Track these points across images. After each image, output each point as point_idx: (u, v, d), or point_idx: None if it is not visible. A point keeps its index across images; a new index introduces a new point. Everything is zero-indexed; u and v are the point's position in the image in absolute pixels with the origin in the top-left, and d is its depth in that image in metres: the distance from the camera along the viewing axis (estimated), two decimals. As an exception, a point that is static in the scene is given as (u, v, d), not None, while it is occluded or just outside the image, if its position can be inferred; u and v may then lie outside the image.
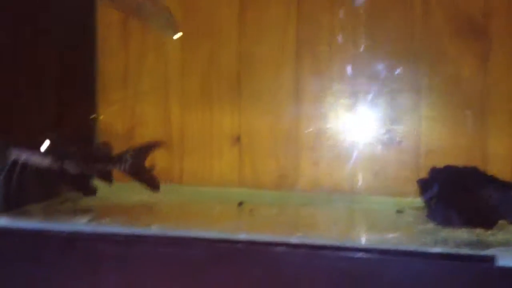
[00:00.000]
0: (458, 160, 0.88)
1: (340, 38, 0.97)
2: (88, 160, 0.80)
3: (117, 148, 0.89)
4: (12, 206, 0.76)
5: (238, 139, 1.03)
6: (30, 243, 0.65)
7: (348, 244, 0.64)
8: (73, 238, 0.65)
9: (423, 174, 0.91)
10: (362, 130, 0.98)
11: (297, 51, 0.99)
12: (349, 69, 0.97)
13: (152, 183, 0.90)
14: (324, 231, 0.72)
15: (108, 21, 1.04)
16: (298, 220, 0.82)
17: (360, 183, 0.98)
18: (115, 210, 0.84)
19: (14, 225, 0.67)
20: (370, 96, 0.97)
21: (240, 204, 0.92)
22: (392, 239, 0.69)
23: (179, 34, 0.94)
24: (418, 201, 0.87)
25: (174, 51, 1.03)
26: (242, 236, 0.65)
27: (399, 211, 0.87)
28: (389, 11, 0.95)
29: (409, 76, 0.96)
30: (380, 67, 0.96)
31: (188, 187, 1.03)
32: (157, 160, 1.05)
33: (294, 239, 0.64)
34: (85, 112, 1.01)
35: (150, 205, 0.90)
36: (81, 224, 0.68)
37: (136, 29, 1.04)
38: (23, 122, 0.82)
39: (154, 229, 0.67)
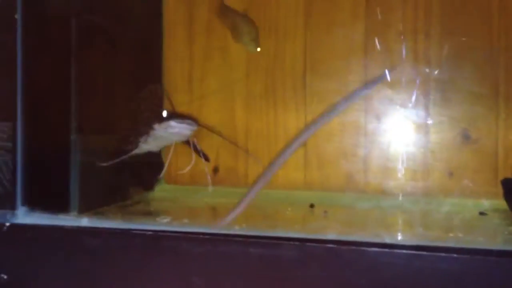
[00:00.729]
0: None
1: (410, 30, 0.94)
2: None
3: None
4: (86, 208, 0.75)
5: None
6: (115, 242, 0.64)
7: (445, 244, 0.60)
8: (158, 237, 0.63)
9: (503, 175, 0.87)
10: (436, 130, 0.94)
11: (365, 44, 0.96)
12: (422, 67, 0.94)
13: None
14: (414, 232, 0.69)
15: (173, 24, 1.04)
16: (377, 222, 0.79)
17: (434, 184, 0.94)
18: (188, 211, 0.82)
19: (98, 225, 0.66)
20: (443, 94, 0.93)
21: (312, 206, 0.89)
22: (484, 241, 0.65)
23: (259, 49, 0.95)
24: (499, 203, 0.84)
25: (238, 51, 1.02)
26: (331, 236, 0.62)
27: (482, 213, 0.83)
28: (466, 4, 0.92)
29: (487, 74, 0.92)
30: (456, 62, 0.92)
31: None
32: (223, 162, 1.04)
33: (388, 239, 0.61)
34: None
35: (220, 207, 0.88)
36: (163, 224, 0.67)
37: (200, 31, 1.03)
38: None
39: (239, 229, 0.65)
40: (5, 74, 0.67)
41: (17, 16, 0.67)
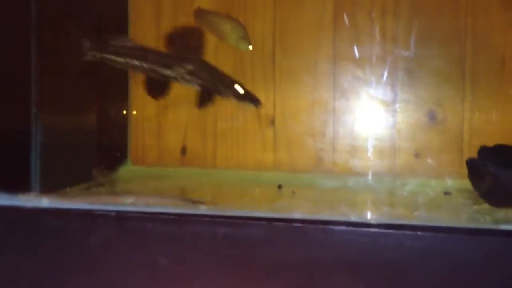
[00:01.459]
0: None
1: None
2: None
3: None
4: (49, 188, 0.73)
5: (272, 121, 0.99)
6: (78, 223, 0.62)
7: (410, 222, 0.61)
8: (122, 218, 0.62)
9: (468, 155, 0.88)
10: (403, 109, 0.95)
11: (334, 21, 0.95)
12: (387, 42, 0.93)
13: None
14: (380, 211, 0.69)
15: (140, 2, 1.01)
16: (346, 201, 0.79)
17: (401, 164, 0.95)
18: (153, 193, 0.81)
19: (59, 206, 0.64)
20: (412, 73, 0.94)
21: (280, 187, 0.89)
22: (448, 220, 0.66)
23: (251, 47, 0.93)
24: (464, 182, 0.85)
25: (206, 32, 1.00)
26: (298, 215, 0.62)
27: (447, 193, 0.84)
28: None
29: (454, 55, 0.92)
30: (423, 41, 0.92)
31: (222, 171, 1.00)
32: (189, 145, 1.03)
33: (354, 218, 0.61)
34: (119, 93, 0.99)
35: (187, 188, 0.87)
36: (127, 204, 0.66)
37: (168, 10, 1.00)
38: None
39: (206, 209, 0.64)
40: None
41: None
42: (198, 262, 0.61)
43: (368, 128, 0.96)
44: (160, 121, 1.02)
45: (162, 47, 0.93)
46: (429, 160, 0.93)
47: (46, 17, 0.74)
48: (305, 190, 0.87)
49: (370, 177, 0.92)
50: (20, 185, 0.71)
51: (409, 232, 0.58)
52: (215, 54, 0.99)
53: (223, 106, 1.00)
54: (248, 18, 0.99)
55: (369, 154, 0.95)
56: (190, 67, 0.83)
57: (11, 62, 0.71)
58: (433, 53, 0.93)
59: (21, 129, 0.71)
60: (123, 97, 1.00)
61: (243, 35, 0.93)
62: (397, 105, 0.95)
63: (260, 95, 1.00)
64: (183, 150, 1.02)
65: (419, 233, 0.57)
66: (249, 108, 0.91)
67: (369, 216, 0.66)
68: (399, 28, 0.94)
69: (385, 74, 0.94)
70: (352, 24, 0.94)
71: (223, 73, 0.89)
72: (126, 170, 0.99)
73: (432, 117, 0.94)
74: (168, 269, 0.62)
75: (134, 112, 1.03)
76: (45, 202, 0.65)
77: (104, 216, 0.62)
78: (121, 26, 0.99)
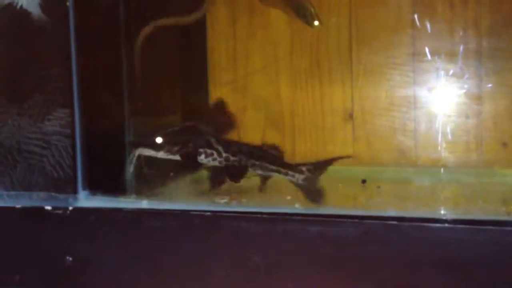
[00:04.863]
0: None
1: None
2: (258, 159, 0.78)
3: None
4: (144, 189, 0.77)
5: (351, 115, 0.99)
6: (175, 223, 0.65)
7: (509, 218, 0.59)
8: (217, 217, 0.64)
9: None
10: (487, 98, 0.92)
11: (412, 15, 0.93)
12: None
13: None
14: (477, 206, 0.68)
15: (215, 3, 1.03)
16: (436, 196, 0.78)
17: (488, 156, 0.92)
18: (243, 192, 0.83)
19: (157, 207, 0.67)
20: (496, 61, 0.90)
21: (364, 181, 0.88)
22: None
23: (317, 22, 0.92)
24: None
25: (282, 28, 1.01)
26: (391, 212, 0.62)
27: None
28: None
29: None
30: (508, 30, 0.89)
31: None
32: (268, 140, 1.04)
33: (449, 215, 0.60)
34: (199, 95, 1.02)
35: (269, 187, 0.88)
36: (222, 204, 0.68)
37: (243, 9, 1.02)
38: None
39: (298, 208, 0.65)
40: (60, 63, 0.68)
41: (69, 3, 0.68)
42: (291, 261, 0.62)
43: (452, 119, 0.93)
44: (239, 120, 1.05)
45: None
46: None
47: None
48: (390, 185, 0.86)
49: (456, 170, 0.90)
50: (117, 187, 0.75)
51: (509, 228, 0.56)
52: (291, 50, 1.00)
53: (300, 103, 1.01)
54: (323, 14, 0.98)
55: (453, 146, 0.93)
56: None
57: (105, 71, 0.75)
58: None
59: (117, 135, 0.74)
60: (203, 99, 1.03)
61: (311, 11, 0.92)
62: (482, 94, 0.92)
63: (337, 89, 1.00)
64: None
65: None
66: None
67: (462, 211, 0.65)
68: (481, 15, 0.91)
69: (467, 63, 0.92)
70: (431, 17, 0.92)
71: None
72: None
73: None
74: (262, 267, 0.63)
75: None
76: (144, 203, 0.68)
77: (199, 216, 0.64)
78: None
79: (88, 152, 0.70)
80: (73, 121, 0.68)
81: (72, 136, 0.69)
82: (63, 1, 0.67)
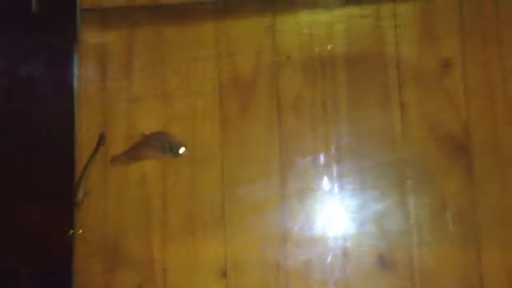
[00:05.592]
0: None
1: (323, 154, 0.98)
2: None
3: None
4: None
5: (224, 273, 0.97)
6: None
7: None
8: None
9: None
10: (351, 255, 0.95)
11: (281, 171, 0.98)
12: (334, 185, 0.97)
13: None
14: None
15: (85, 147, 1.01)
16: None
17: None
18: None
19: None
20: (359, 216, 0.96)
21: None
22: None
23: (183, 149, 0.96)
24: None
25: (156, 182, 1.00)
26: None
27: None
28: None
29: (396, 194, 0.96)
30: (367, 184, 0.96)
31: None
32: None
33: None
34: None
35: None
36: None
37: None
38: None
39: None
40: None
41: None
42: None
43: (322, 275, 0.95)
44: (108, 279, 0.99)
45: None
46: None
47: None
48: None
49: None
50: None
51: None
52: (163, 207, 0.99)
53: (173, 259, 0.98)
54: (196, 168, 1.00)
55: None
56: None
57: None
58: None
59: None
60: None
61: (176, 144, 0.96)
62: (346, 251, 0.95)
63: (211, 246, 0.99)
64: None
65: None
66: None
67: None
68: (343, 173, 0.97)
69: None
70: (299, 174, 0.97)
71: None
72: None
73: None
74: None
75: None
76: None
77: None
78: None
79: None
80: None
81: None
82: None
